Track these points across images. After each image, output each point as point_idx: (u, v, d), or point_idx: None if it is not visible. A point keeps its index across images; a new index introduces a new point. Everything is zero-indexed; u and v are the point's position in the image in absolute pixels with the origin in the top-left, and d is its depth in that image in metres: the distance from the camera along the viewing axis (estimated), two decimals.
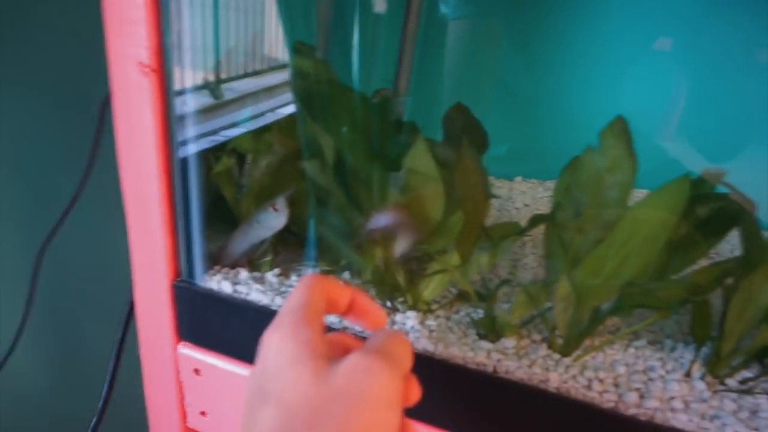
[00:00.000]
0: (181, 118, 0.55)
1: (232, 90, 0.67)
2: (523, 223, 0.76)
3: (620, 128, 0.39)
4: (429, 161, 0.44)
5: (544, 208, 0.82)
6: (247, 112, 0.64)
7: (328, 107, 0.48)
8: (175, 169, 0.55)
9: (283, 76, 0.79)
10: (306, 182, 0.52)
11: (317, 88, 0.48)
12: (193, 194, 0.57)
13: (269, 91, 0.72)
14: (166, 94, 0.53)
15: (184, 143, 0.56)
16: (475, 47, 0.93)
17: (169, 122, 0.54)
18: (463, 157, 0.45)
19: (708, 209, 0.46)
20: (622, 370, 0.47)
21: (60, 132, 0.84)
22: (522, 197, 0.84)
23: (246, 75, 0.69)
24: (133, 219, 0.58)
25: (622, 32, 0.84)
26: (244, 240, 0.60)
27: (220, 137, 0.62)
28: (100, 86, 0.77)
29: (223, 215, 0.61)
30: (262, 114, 0.65)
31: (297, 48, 0.50)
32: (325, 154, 0.49)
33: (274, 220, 0.56)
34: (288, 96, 0.71)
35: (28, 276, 0.84)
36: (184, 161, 0.56)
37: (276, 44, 0.81)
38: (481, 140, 0.58)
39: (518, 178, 0.92)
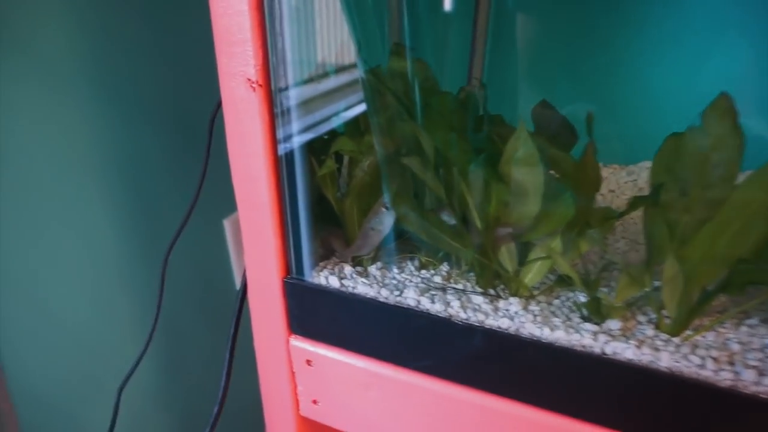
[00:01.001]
0: (283, 123, 0.60)
1: (314, 90, 0.71)
2: (613, 208, 0.77)
3: (725, 106, 0.40)
4: (531, 148, 0.45)
5: (629, 192, 0.81)
6: (338, 108, 0.67)
7: (425, 106, 0.51)
8: (282, 174, 0.60)
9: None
10: (405, 179, 0.55)
11: (413, 88, 0.51)
12: (299, 196, 0.61)
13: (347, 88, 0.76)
14: (272, 105, 0.58)
15: (288, 149, 0.60)
16: (545, 36, 0.94)
17: (275, 131, 0.58)
18: (587, 155, 0.47)
19: None
20: (736, 348, 0.47)
21: (170, 148, 0.92)
22: (605, 183, 0.83)
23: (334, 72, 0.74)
24: (245, 222, 0.63)
25: (699, 12, 0.82)
26: (365, 246, 0.63)
27: (318, 136, 0.66)
28: (203, 103, 0.84)
29: (325, 214, 0.64)
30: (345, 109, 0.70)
31: (393, 50, 0.52)
32: (426, 150, 0.51)
33: (387, 218, 0.59)
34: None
35: (145, 286, 0.92)
36: (289, 165, 0.60)
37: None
38: (570, 134, 0.59)
39: (599, 164, 0.91)
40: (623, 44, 0.88)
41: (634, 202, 0.47)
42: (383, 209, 0.56)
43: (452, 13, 0.92)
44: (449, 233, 0.55)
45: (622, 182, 0.84)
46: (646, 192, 0.81)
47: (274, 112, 0.58)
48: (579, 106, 0.90)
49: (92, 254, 0.85)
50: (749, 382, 0.44)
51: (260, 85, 0.56)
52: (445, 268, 0.62)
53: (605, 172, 0.89)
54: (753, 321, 0.50)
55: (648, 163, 0.88)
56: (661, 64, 0.87)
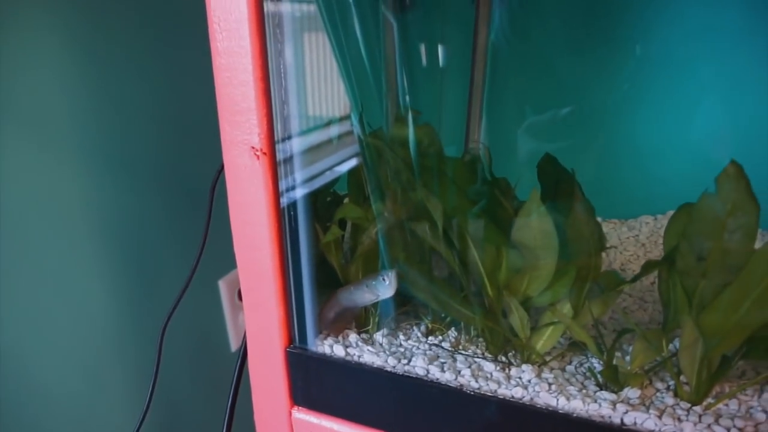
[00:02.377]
0: (287, 191, 0.59)
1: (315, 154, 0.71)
2: (615, 266, 0.76)
3: (736, 172, 0.40)
4: (544, 216, 0.45)
5: (632, 247, 0.81)
6: (342, 170, 0.67)
7: (431, 172, 0.51)
8: (285, 241, 0.59)
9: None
10: (412, 246, 0.54)
11: (419, 155, 0.51)
12: (302, 263, 0.60)
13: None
14: (276, 173, 0.57)
15: (292, 216, 0.59)
16: (542, 93, 0.95)
17: (279, 199, 0.58)
18: (576, 211, 0.46)
19: None
20: (761, 417, 0.45)
21: (171, 210, 0.91)
22: (608, 239, 0.83)
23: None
24: (247, 291, 0.62)
25: (687, 61, 0.85)
26: (349, 298, 0.62)
27: (323, 201, 0.65)
28: (203, 167, 0.84)
29: (329, 281, 0.63)
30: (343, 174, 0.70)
31: (397, 116, 0.53)
32: (434, 216, 0.51)
33: (383, 289, 0.58)
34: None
35: (141, 352, 0.89)
36: (293, 233, 0.59)
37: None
38: (572, 188, 0.59)
39: (598, 219, 0.91)
40: (617, 99, 0.89)
41: (647, 266, 0.47)
42: (382, 279, 0.55)
43: (448, 66, 0.93)
44: (458, 300, 0.54)
45: (623, 238, 0.84)
46: (648, 247, 0.81)
47: (278, 180, 0.57)
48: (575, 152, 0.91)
49: (85, 322, 0.83)
50: None
51: (264, 154, 0.56)
52: (452, 333, 0.60)
53: (606, 227, 0.89)
54: None
55: (648, 218, 0.89)
56: (655, 119, 0.89)
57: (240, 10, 0.51)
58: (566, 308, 0.50)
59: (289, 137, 0.59)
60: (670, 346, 0.51)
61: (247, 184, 0.58)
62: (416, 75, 0.93)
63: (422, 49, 0.92)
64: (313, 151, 0.68)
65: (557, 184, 0.58)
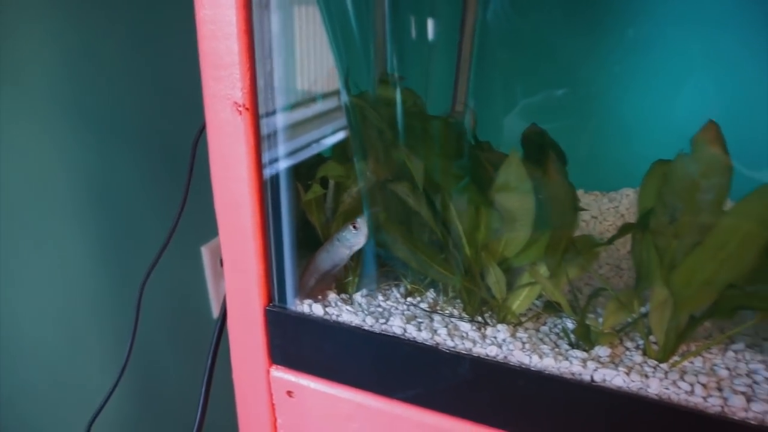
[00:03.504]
0: (268, 148, 0.59)
1: (298, 116, 0.71)
2: (596, 234, 0.78)
3: (713, 133, 0.40)
4: (523, 176, 0.46)
5: (611, 218, 0.82)
6: (326, 131, 0.67)
7: (415, 133, 0.51)
8: (266, 199, 0.59)
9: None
10: (394, 207, 0.54)
11: (403, 115, 0.51)
12: (283, 222, 0.60)
13: (330, 114, 0.77)
14: (258, 129, 0.57)
15: (273, 173, 0.59)
16: (529, 63, 0.95)
17: (261, 155, 0.57)
18: (550, 171, 0.47)
19: None
20: (724, 373, 0.47)
21: (152, 172, 0.90)
22: (588, 210, 0.84)
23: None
24: (227, 249, 0.62)
25: (677, 42, 0.85)
26: (326, 258, 0.62)
27: (303, 162, 0.65)
28: (184, 127, 0.83)
29: (310, 241, 0.63)
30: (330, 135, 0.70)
31: (381, 78, 0.53)
32: (415, 177, 0.51)
33: (354, 238, 0.58)
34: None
35: (120, 314, 0.89)
36: (274, 190, 0.59)
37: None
38: (558, 157, 0.60)
39: (580, 191, 0.93)
40: (605, 72, 0.90)
41: (624, 228, 0.48)
42: (351, 227, 0.55)
43: (437, 39, 0.93)
44: (437, 260, 0.54)
45: (604, 209, 0.85)
46: (627, 218, 0.82)
47: (260, 136, 0.57)
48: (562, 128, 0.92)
49: (65, 280, 0.82)
50: (738, 408, 0.44)
51: (247, 109, 0.56)
52: (431, 295, 0.61)
53: (588, 198, 0.90)
54: (738, 346, 0.50)
55: (628, 190, 0.90)
56: (641, 93, 0.89)
57: None
58: (542, 270, 0.51)
59: (273, 94, 0.58)
60: (643, 309, 0.53)
61: (228, 140, 0.57)
62: (405, 44, 0.92)
63: (412, 18, 0.92)
64: (298, 111, 0.68)
65: (540, 151, 0.59)
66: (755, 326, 0.52)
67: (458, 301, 0.59)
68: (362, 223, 0.57)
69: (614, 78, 0.91)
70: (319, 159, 0.65)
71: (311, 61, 0.72)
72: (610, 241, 0.50)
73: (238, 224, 0.60)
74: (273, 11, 0.56)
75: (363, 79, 0.86)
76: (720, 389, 0.46)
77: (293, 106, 0.68)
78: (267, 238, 0.60)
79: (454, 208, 0.50)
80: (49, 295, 0.80)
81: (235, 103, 0.56)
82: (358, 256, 0.61)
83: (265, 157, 0.58)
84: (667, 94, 0.90)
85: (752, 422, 0.43)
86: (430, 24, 0.92)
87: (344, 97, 0.62)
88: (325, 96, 0.71)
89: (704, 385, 0.46)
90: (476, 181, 0.51)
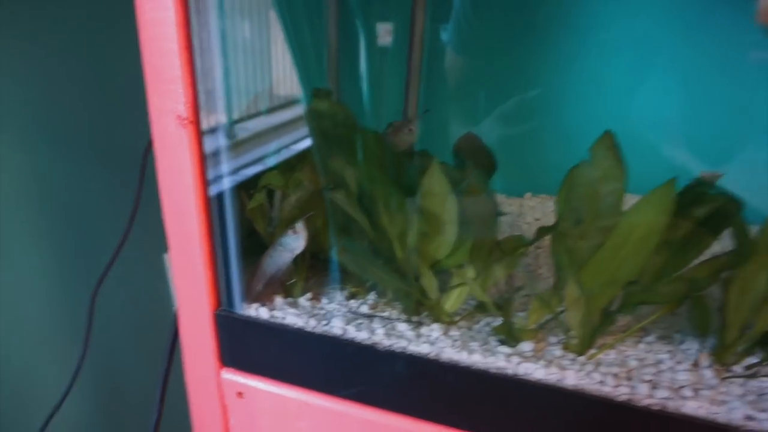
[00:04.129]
0: (214, 160, 0.62)
1: (246, 129, 0.74)
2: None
3: (609, 142, 0.44)
4: (443, 182, 0.49)
5: (552, 220, 0.86)
6: (271, 147, 0.70)
7: (347, 144, 0.54)
8: (212, 208, 0.61)
9: (293, 113, 0.87)
10: (334, 214, 0.57)
11: (336, 127, 0.54)
12: (229, 229, 0.62)
13: (282, 127, 0.80)
14: (201, 141, 0.59)
15: (217, 183, 0.62)
16: (475, 72, 0.99)
17: (205, 166, 0.60)
18: (470, 179, 0.50)
19: (705, 209, 0.50)
20: (634, 364, 0.50)
21: (103, 182, 0.91)
22: (532, 212, 0.88)
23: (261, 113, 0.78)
24: (176, 255, 0.64)
25: (618, 44, 0.89)
26: (271, 263, 0.65)
27: (249, 174, 0.68)
28: (137, 138, 0.84)
29: (256, 248, 0.66)
30: (278, 151, 0.73)
31: (315, 93, 0.56)
32: (349, 185, 0.54)
33: (294, 242, 0.61)
34: (299, 132, 0.79)
35: (77, 320, 0.90)
36: (219, 199, 0.62)
37: (284, 84, 0.89)
38: (490, 163, 0.63)
39: (528, 194, 0.96)
40: (553, 77, 0.93)
41: (539, 231, 0.51)
42: (291, 232, 0.58)
43: (389, 47, 0.96)
44: (373, 264, 0.57)
45: (548, 211, 0.89)
46: None
47: (204, 148, 0.59)
48: (508, 133, 0.95)
49: (18, 287, 0.83)
50: (643, 395, 0.47)
51: (191, 122, 0.58)
52: (372, 297, 0.64)
53: (534, 201, 0.94)
54: (651, 338, 0.54)
55: None
56: (584, 94, 0.93)
57: None
58: (470, 272, 0.55)
59: (218, 108, 0.61)
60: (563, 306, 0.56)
61: (174, 152, 0.60)
62: (357, 53, 0.95)
63: (363, 27, 0.95)
64: (243, 125, 0.70)
65: (473, 158, 0.63)
66: (669, 320, 0.56)
67: (397, 302, 0.62)
68: (301, 227, 0.60)
69: (563, 83, 0.94)
70: (264, 168, 0.68)
71: (256, 75, 0.75)
72: (530, 243, 0.53)
73: (185, 233, 0.62)
74: (213, 29, 0.58)
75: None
76: (629, 379, 0.49)
77: (237, 121, 0.71)
78: (214, 245, 0.62)
79: (386, 215, 0.53)
80: (2, 301, 0.81)
81: (179, 116, 0.58)
82: (302, 260, 0.64)
83: (210, 168, 0.60)
84: (614, 98, 0.93)
85: (654, 408, 0.47)
86: (382, 32, 0.96)
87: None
88: (272, 109, 0.74)
89: (615, 375, 0.49)
90: (408, 189, 0.54)
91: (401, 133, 0.63)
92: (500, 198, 0.94)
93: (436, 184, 0.50)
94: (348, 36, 0.93)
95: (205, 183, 0.60)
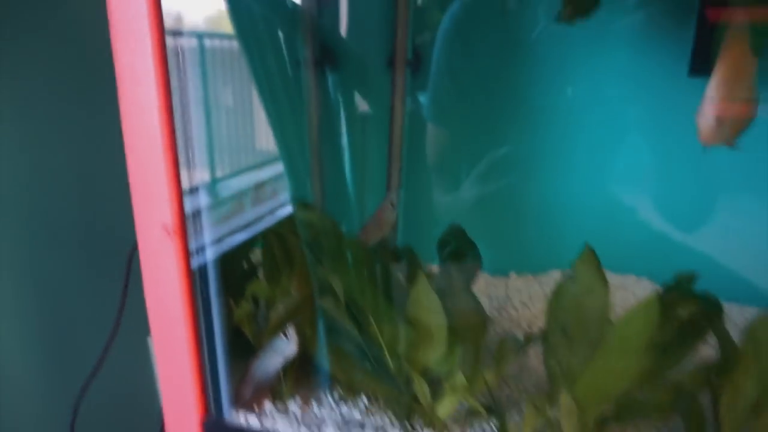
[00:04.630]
0: (201, 267, 0.62)
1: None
2: (523, 324, 0.81)
3: (590, 258, 0.45)
4: (430, 295, 0.49)
5: (540, 304, 0.86)
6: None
7: (334, 252, 0.54)
8: (198, 315, 0.61)
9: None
10: (319, 320, 0.57)
11: (321, 237, 0.55)
12: (216, 337, 0.62)
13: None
14: (187, 249, 0.59)
15: (205, 289, 0.61)
16: (453, 143, 1.00)
17: (191, 274, 0.60)
18: (455, 289, 0.50)
19: (687, 310, 0.51)
20: None
21: (88, 283, 0.90)
22: (518, 295, 0.88)
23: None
24: (162, 364, 0.63)
25: (601, 122, 0.91)
26: (260, 367, 0.64)
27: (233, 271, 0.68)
28: (125, 241, 0.84)
29: (243, 351, 0.65)
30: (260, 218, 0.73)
31: (301, 204, 0.56)
32: (337, 293, 0.54)
33: (285, 346, 0.60)
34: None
35: (61, 418, 0.87)
36: (206, 306, 0.61)
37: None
38: (475, 258, 0.64)
39: (512, 274, 0.97)
40: (532, 154, 0.95)
41: (527, 339, 0.51)
42: (282, 336, 0.58)
43: (369, 129, 0.98)
44: (363, 371, 0.57)
45: (533, 293, 0.89)
46: None
47: (190, 257, 0.59)
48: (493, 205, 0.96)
49: (2, 381, 0.81)
50: None
51: (177, 233, 0.58)
52: (364, 399, 0.63)
53: (519, 282, 0.95)
54: None
55: (556, 273, 0.95)
56: (568, 171, 0.95)
57: (150, 96, 0.54)
58: (458, 378, 0.54)
59: (202, 216, 0.61)
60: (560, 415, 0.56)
61: (159, 260, 0.59)
62: (338, 129, 0.97)
63: (343, 108, 0.97)
64: (225, 222, 0.71)
65: (457, 253, 0.63)
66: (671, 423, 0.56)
67: (389, 407, 0.61)
68: (292, 332, 0.59)
69: (540, 154, 0.95)
70: (250, 266, 0.68)
71: (241, 176, 0.76)
72: (520, 348, 0.53)
73: (172, 341, 0.61)
74: (198, 140, 0.59)
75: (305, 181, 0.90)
76: None
77: (223, 219, 0.71)
78: (201, 352, 0.61)
79: (374, 323, 0.53)
80: None
81: (165, 227, 0.58)
82: (291, 364, 0.63)
83: (196, 275, 0.60)
84: (591, 169, 0.95)
85: None
86: (362, 110, 0.98)
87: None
88: (257, 201, 0.75)
89: None
90: (398, 299, 0.54)
91: (384, 210, 0.63)
92: (485, 277, 0.95)
93: (423, 296, 0.50)
94: (328, 109, 0.95)
95: (192, 290, 0.60)
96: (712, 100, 0.49)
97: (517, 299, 0.86)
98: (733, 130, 0.50)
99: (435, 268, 0.65)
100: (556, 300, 0.48)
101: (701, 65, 0.70)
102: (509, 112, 0.95)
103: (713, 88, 0.49)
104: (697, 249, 0.89)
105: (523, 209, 0.99)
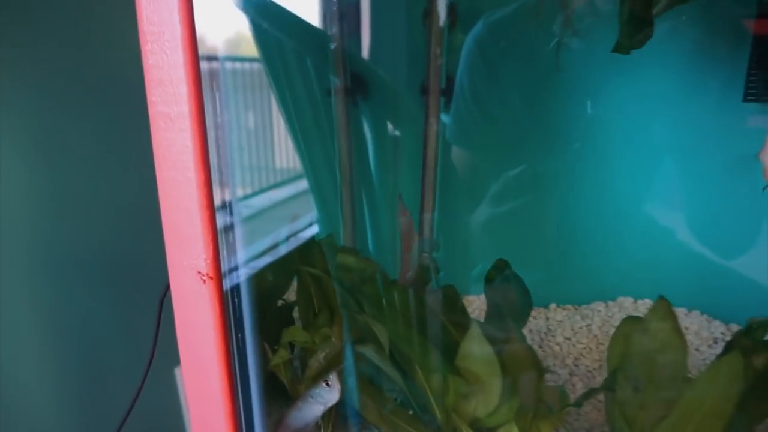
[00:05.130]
0: (235, 312, 0.59)
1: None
2: (568, 361, 0.77)
3: (665, 310, 0.41)
4: (484, 347, 0.46)
5: (585, 339, 0.82)
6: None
7: (375, 298, 0.51)
8: (234, 362, 0.58)
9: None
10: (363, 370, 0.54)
11: (364, 283, 0.52)
12: (252, 386, 0.59)
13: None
14: (222, 296, 0.57)
15: (241, 336, 0.59)
16: (483, 169, 0.97)
17: (227, 321, 0.57)
18: (512, 342, 0.47)
19: (763, 359, 0.47)
20: None
21: (121, 323, 0.89)
22: (561, 329, 0.84)
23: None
24: (195, 413, 0.60)
25: (630, 145, 0.88)
26: (299, 417, 0.61)
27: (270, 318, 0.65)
28: (158, 279, 0.82)
29: (279, 396, 0.62)
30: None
31: (342, 249, 0.54)
32: (380, 339, 0.51)
33: (327, 394, 0.57)
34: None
35: None
36: (241, 353, 0.58)
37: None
38: (525, 298, 0.61)
39: (553, 305, 0.93)
40: (570, 181, 0.92)
41: (588, 393, 0.48)
42: (324, 384, 0.54)
43: (403, 158, 0.95)
44: (408, 422, 0.53)
45: (576, 327, 0.85)
46: (600, 338, 0.82)
47: (225, 304, 0.57)
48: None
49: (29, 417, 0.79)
50: None
51: (211, 278, 0.56)
52: None
53: (560, 314, 0.90)
54: None
55: (599, 305, 0.90)
56: (609, 202, 0.91)
57: (185, 143, 0.52)
58: (513, 431, 0.50)
59: (237, 260, 0.59)
60: None
61: (193, 307, 0.57)
62: (370, 165, 0.95)
63: (376, 137, 0.95)
64: (259, 259, 0.68)
65: (504, 290, 0.60)
66: None
67: None
68: (335, 379, 0.56)
69: (583, 186, 0.92)
70: (285, 306, 0.65)
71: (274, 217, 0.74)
72: (578, 403, 0.49)
73: (206, 390, 0.58)
74: (234, 182, 0.57)
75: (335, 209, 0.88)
76: None
77: (258, 257, 0.68)
78: (236, 401, 0.58)
79: (423, 376, 0.49)
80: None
81: (199, 272, 0.56)
82: (329, 414, 0.60)
83: (231, 321, 0.57)
84: (636, 200, 0.92)
85: None
86: (394, 139, 0.95)
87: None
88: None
89: None
90: (443, 346, 0.51)
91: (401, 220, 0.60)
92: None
93: (476, 348, 0.47)
94: (359, 139, 0.92)
95: (227, 339, 0.57)
96: None
97: (559, 332, 0.82)
98: None
99: (473, 299, 0.61)
100: (622, 348, 0.44)
101: (756, 91, 0.66)
102: (544, 138, 0.92)
103: None
104: (744, 279, 0.84)
105: (563, 237, 0.95)
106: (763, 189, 0.49)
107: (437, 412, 0.52)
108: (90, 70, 0.85)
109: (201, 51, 0.49)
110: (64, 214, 0.82)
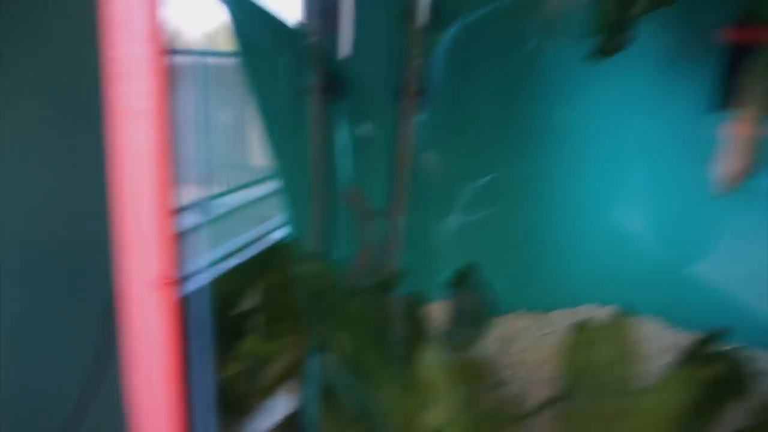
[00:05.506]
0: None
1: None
2: (530, 366, 0.76)
3: (621, 325, 0.41)
4: (443, 357, 0.45)
5: (548, 348, 0.81)
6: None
7: (335, 307, 0.50)
8: (185, 372, 0.56)
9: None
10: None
11: (323, 292, 0.51)
12: (202, 394, 0.57)
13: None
14: (176, 302, 0.55)
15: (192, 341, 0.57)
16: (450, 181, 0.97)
17: (180, 328, 0.55)
18: (471, 351, 0.47)
19: (714, 371, 0.47)
20: None
21: (67, 328, 0.85)
22: (524, 336, 0.83)
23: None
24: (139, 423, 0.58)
25: (597, 152, 0.88)
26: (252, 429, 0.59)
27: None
28: (106, 283, 0.79)
29: (230, 410, 0.61)
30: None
31: (304, 257, 0.52)
32: (339, 349, 0.50)
33: (280, 407, 0.56)
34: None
35: None
36: (193, 360, 0.57)
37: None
38: (488, 303, 0.60)
39: (517, 312, 0.91)
40: (533, 187, 0.91)
41: (545, 403, 0.47)
42: (276, 397, 0.53)
43: (374, 159, 0.94)
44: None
45: (540, 334, 0.84)
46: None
47: (180, 310, 0.55)
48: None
49: None
50: None
51: (166, 285, 0.54)
52: None
53: (526, 321, 0.90)
54: None
55: (564, 312, 0.90)
56: (573, 209, 0.91)
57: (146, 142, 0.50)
58: None
59: (194, 265, 0.57)
60: None
61: (144, 315, 0.55)
62: (342, 163, 0.93)
63: (348, 137, 0.93)
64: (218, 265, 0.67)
65: (468, 305, 0.59)
66: None
67: None
68: (289, 392, 0.55)
69: (550, 194, 0.92)
70: (240, 319, 0.64)
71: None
72: (535, 413, 0.49)
73: (152, 399, 0.57)
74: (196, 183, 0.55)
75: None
76: None
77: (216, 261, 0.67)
78: (184, 411, 0.57)
79: (376, 389, 0.48)
80: None
81: (153, 278, 0.54)
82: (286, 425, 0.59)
83: (186, 329, 0.56)
84: (601, 206, 0.92)
85: None
86: (369, 139, 0.94)
87: None
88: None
89: None
90: (402, 356, 0.50)
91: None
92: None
93: (434, 358, 0.46)
94: (332, 137, 0.91)
95: (179, 349, 0.55)
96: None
97: (522, 340, 0.82)
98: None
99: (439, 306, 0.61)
100: (572, 360, 0.44)
101: (722, 100, 0.67)
102: (514, 144, 0.92)
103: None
104: (708, 286, 0.85)
105: (529, 244, 0.95)
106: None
107: (395, 422, 0.51)
108: (38, 61, 0.82)
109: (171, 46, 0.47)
110: (11, 213, 0.78)
